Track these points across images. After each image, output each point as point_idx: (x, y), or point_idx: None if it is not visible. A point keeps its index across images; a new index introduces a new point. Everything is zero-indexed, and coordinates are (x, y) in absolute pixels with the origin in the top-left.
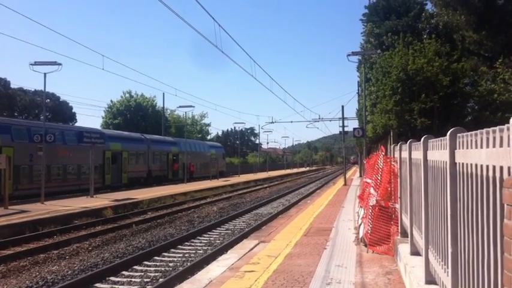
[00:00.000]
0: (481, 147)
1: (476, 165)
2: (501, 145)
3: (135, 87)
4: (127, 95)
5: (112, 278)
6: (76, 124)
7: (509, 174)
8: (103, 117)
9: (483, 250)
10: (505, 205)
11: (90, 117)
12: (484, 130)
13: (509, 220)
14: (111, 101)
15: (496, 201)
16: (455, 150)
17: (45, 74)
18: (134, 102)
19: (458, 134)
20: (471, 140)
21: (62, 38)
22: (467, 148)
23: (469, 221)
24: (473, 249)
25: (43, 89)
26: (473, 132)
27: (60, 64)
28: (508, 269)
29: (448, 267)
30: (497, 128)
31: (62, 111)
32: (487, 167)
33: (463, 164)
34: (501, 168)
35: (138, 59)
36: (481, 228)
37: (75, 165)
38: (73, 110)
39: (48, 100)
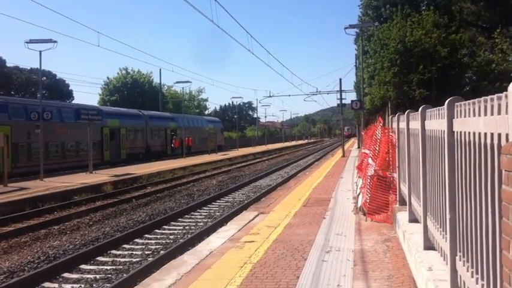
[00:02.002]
0: (479, 115)
1: (474, 133)
2: (499, 113)
3: (131, 63)
4: (123, 71)
5: (113, 251)
6: (73, 102)
7: (507, 140)
8: (100, 94)
9: (481, 215)
10: (503, 171)
11: (87, 94)
12: (482, 98)
13: (507, 185)
14: (108, 77)
15: (494, 168)
16: (453, 119)
17: (40, 51)
18: (131, 79)
19: (456, 103)
20: (469, 109)
21: (57, 16)
22: (465, 117)
23: (467, 188)
24: (471, 214)
25: (39, 67)
26: (471, 101)
27: (55, 42)
28: (506, 233)
29: (446, 233)
30: (495, 96)
31: (58, 89)
32: (485, 134)
33: (461, 132)
34: (499, 135)
35: (134, 36)
36: (479, 194)
37: (74, 142)
38: (70, 88)
39: (45, 78)
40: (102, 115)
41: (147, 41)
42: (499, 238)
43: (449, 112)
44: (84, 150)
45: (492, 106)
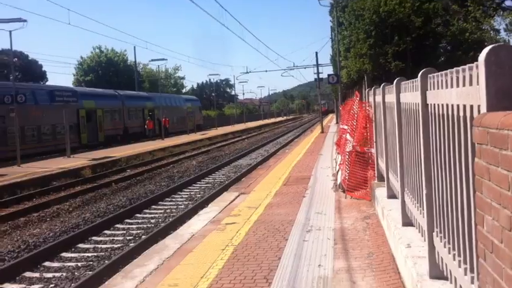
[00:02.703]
0: (451, 86)
1: (447, 105)
2: (471, 84)
3: (104, 41)
4: (97, 50)
5: (94, 238)
6: (47, 83)
7: (479, 112)
8: (74, 75)
9: (456, 190)
10: (476, 144)
11: (61, 75)
12: (454, 69)
13: (480, 159)
14: (81, 57)
15: (468, 141)
16: (427, 92)
17: (10, 31)
18: (105, 58)
19: (429, 75)
20: (442, 80)
21: None
22: (438, 89)
23: (442, 162)
24: (446, 189)
25: (10, 48)
26: (444, 72)
27: (25, 21)
28: (480, 207)
29: (423, 209)
30: (466, 67)
31: (31, 70)
32: (458, 106)
33: (434, 105)
34: (471, 107)
35: (105, 13)
36: (454, 168)
37: (50, 126)
38: (43, 69)
39: (16, 59)
40: (77, 96)
41: (119, 18)
42: (474, 213)
43: (423, 84)
44: (61, 133)
45: (464, 77)
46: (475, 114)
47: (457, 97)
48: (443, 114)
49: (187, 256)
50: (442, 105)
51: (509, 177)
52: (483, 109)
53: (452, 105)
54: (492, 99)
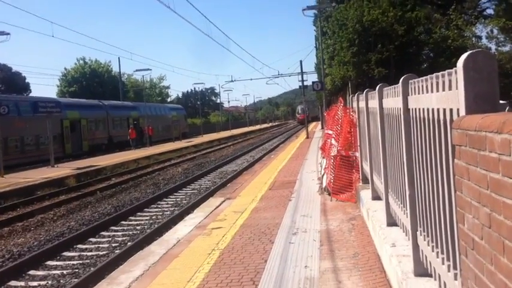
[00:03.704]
0: (432, 91)
1: (428, 109)
2: (450, 88)
3: (88, 53)
4: (81, 61)
5: (79, 246)
6: (31, 94)
7: (458, 116)
8: (58, 86)
9: (438, 190)
10: (455, 145)
11: (45, 86)
12: (434, 75)
13: (459, 160)
14: (65, 68)
15: (448, 143)
16: (408, 97)
17: None
18: (89, 69)
19: (410, 80)
20: (422, 86)
21: (7, 6)
22: (419, 94)
23: (424, 164)
24: (429, 190)
25: None
26: (424, 78)
27: (8, 34)
28: (460, 206)
29: (407, 209)
30: (446, 72)
31: (14, 82)
32: (438, 110)
33: (415, 109)
34: (451, 110)
35: (89, 24)
36: (435, 169)
37: (33, 136)
38: (26, 80)
39: (0, 71)
40: (61, 107)
41: (104, 29)
42: (455, 212)
43: (404, 90)
44: (45, 144)
45: (444, 82)
46: (455, 117)
47: (437, 101)
48: (424, 118)
49: (173, 261)
50: (423, 109)
51: (488, 176)
52: (462, 112)
53: (432, 109)
54: (470, 103)
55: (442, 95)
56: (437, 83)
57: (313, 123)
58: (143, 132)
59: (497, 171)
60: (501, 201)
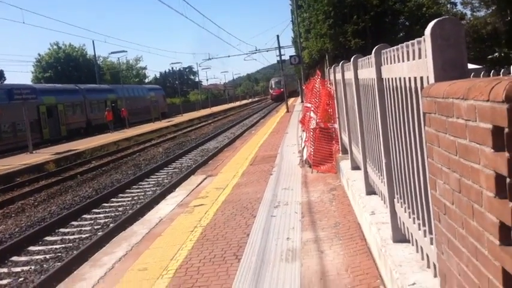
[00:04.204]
0: (403, 60)
1: (400, 78)
2: (420, 57)
3: (62, 38)
4: (55, 46)
5: (61, 230)
6: (6, 82)
7: (428, 84)
8: (33, 72)
9: (412, 158)
10: (425, 113)
11: (20, 73)
12: (404, 44)
13: (430, 127)
14: (39, 54)
15: (420, 111)
16: (381, 67)
17: None
18: (63, 54)
19: (383, 51)
20: (394, 55)
21: None
22: (391, 63)
23: (398, 133)
24: (403, 158)
25: None
26: (396, 47)
27: None
28: (432, 173)
29: (384, 177)
30: (415, 41)
31: None
32: (409, 79)
33: (388, 79)
34: (421, 78)
35: (61, 10)
36: (409, 137)
37: (10, 124)
38: (0, 68)
39: None
40: (36, 93)
41: (75, 14)
42: (428, 178)
43: (377, 60)
44: (22, 130)
45: (414, 51)
46: (425, 85)
47: (408, 70)
48: (396, 87)
49: (156, 240)
50: (395, 78)
51: (456, 142)
52: (431, 80)
53: (404, 78)
54: (439, 70)
55: (412, 63)
56: (408, 52)
57: (292, 99)
58: (121, 114)
59: (465, 137)
60: (469, 166)
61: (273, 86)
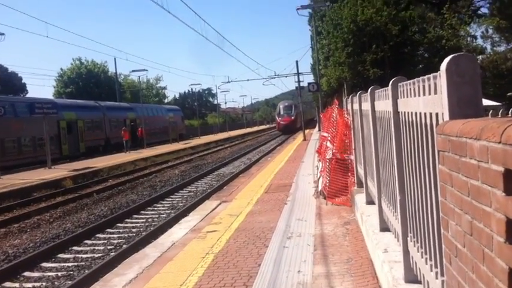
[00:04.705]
0: (419, 95)
1: (416, 113)
2: (435, 92)
3: (84, 53)
4: (77, 62)
5: (75, 248)
6: (28, 95)
7: (443, 120)
8: (55, 87)
9: (426, 196)
10: (439, 151)
11: (41, 87)
12: (421, 78)
13: (443, 165)
14: (61, 69)
15: (435, 148)
16: (398, 100)
17: None
18: (85, 69)
19: (400, 83)
20: (410, 89)
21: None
22: (407, 97)
23: (413, 169)
24: (418, 195)
25: None
26: (412, 81)
27: (3, 34)
28: (444, 213)
29: (398, 214)
30: (431, 76)
31: (11, 83)
32: (425, 114)
33: (405, 112)
34: (436, 115)
35: (83, 25)
36: (424, 175)
37: (30, 137)
38: (23, 81)
39: None
40: (57, 108)
41: (98, 30)
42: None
43: (394, 93)
44: (42, 145)
45: (429, 86)
46: (440, 122)
47: (424, 105)
48: (412, 122)
49: (167, 264)
50: (411, 113)
51: (469, 183)
52: (446, 117)
53: (420, 113)
54: (454, 107)
55: (428, 98)
56: (424, 87)
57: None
58: (138, 134)
59: (477, 178)
60: (481, 208)
61: (281, 113)
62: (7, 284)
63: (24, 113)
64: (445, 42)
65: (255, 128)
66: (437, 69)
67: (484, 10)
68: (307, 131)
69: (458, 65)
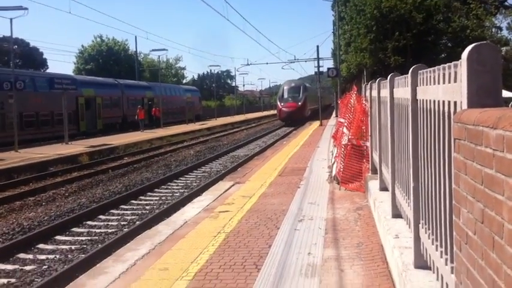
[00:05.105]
0: (439, 83)
1: (434, 101)
2: (455, 80)
3: (105, 31)
4: (98, 39)
5: (89, 222)
6: (48, 70)
7: (461, 109)
8: (75, 63)
9: (440, 183)
10: (455, 139)
11: (62, 63)
12: (441, 66)
13: (458, 154)
14: (82, 46)
15: (451, 136)
16: (417, 87)
17: (11, 19)
18: (106, 47)
19: (420, 71)
20: (430, 77)
21: None
22: (427, 85)
23: (428, 156)
24: (431, 183)
25: (10, 35)
26: (432, 69)
27: (26, 9)
28: (457, 200)
29: (410, 201)
30: (452, 64)
31: (32, 58)
32: (443, 102)
33: (423, 100)
34: (455, 103)
35: (106, 2)
36: (438, 162)
37: (48, 112)
38: (44, 56)
39: (16, 46)
40: (76, 84)
41: (120, 7)
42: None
43: (413, 80)
44: (60, 120)
45: (450, 74)
46: (458, 110)
47: (443, 93)
48: (431, 110)
49: (179, 242)
50: (430, 100)
51: (483, 172)
52: (464, 106)
53: (439, 101)
54: (473, 96)
55: (447, 86)
56: (444, 75)
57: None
58: (152, 113)
59: (491, 167)
60: (493, 197)
61: (285, 96)
62: (21, 255)
63: (44, 88)
64: (469, 32)
65: (272, 112)
66: (460, 59)
67: (510, 1)
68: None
69: (480, 53)
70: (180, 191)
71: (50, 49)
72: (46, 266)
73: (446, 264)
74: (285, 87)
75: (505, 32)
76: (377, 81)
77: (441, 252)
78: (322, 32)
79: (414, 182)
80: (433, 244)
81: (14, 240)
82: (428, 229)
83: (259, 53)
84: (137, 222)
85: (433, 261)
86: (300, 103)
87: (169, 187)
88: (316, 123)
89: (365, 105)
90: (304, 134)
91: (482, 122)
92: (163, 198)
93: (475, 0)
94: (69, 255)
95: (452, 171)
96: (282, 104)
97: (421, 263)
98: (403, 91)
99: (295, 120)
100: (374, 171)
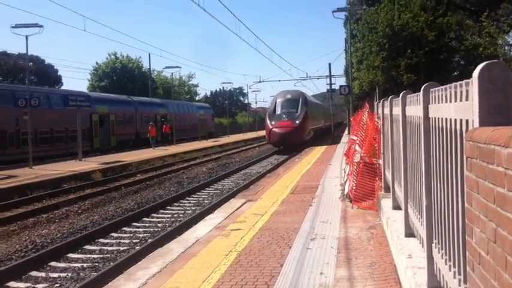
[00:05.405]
0: (450, 101)
1: (446, 119)
2: (467, 99)
3: (119, 48)
4: (112, 56)
5: (101, 240)
6: (62, 87)
7: (472, 127)
8: (89, 80)
9: (452, 202)
10: (467, 158)
11: (76, 80)
12: (453, 84)
13: (470, 172)
14: (97, 63)
15: (463, 155)
16: (429, 105)
17: (26, 36)
18: (120, 64)
19: (431, 89)
20: (442, 95)
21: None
22: (439, 103)
23: (441, 174)
24: (444, 201)
25: (26, 52)
26: (444, 87)
27: (41, 26)
28: (469, 219)
29: (423, 220)
30: (463, 82)
31: (47, 75)
32: (455, 120)
33: (435, 118)
34: (467, 121)
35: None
36: (451, 181)
37: (63, 129)
38: (58, 73)
39: (31, 63)
40: (90, 101)
41: (132, 25)
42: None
43: (425, 98)
44: (74, 137)
45: (461, 92)
46: (470, 128)
47: (455, 111)
48: (443, 128)
49: (190, 260)
50: (442, 119)
51: (495, 190)
52: (476, 124)
53: (451, 119)
54: (485, 114)
55: (459, 105)
56: (455, 93)
57: (340, 128)
58: (163, 130)
59: (503, 186)
60: (505, 216)
61: (278, 111)
62: (34, 272)
63: (58, 105)
64: (482, 50)
65: None
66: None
67: None
68: (336, 133)
69: (491, 72)
70: (192, 208)
71: (65, 66)
72: (58, 285)
73: (459, 285)
74: (278, 100)
75: None
76: (389, 99)
77: (454, 272)
78: (334, 50)
79: (427, 201)
80: (446, 264)
81: (27, 258)
82: (442, 249)
83: (272, 70)
84: (149, 240)
85: (446, 282)
86: (297, 121)
87: (182, 204)
88: (329, 140)
89: (377, 122)
90: (316, 152)
91: (493, 140)
92: (175, 215)
93: (487, 18)
94: (81, 273)
95: (465, 190)
96: (273, 122)
97: (435, 283)
98: (415, 109)
99: (290, 144)
100: (387, 189)
